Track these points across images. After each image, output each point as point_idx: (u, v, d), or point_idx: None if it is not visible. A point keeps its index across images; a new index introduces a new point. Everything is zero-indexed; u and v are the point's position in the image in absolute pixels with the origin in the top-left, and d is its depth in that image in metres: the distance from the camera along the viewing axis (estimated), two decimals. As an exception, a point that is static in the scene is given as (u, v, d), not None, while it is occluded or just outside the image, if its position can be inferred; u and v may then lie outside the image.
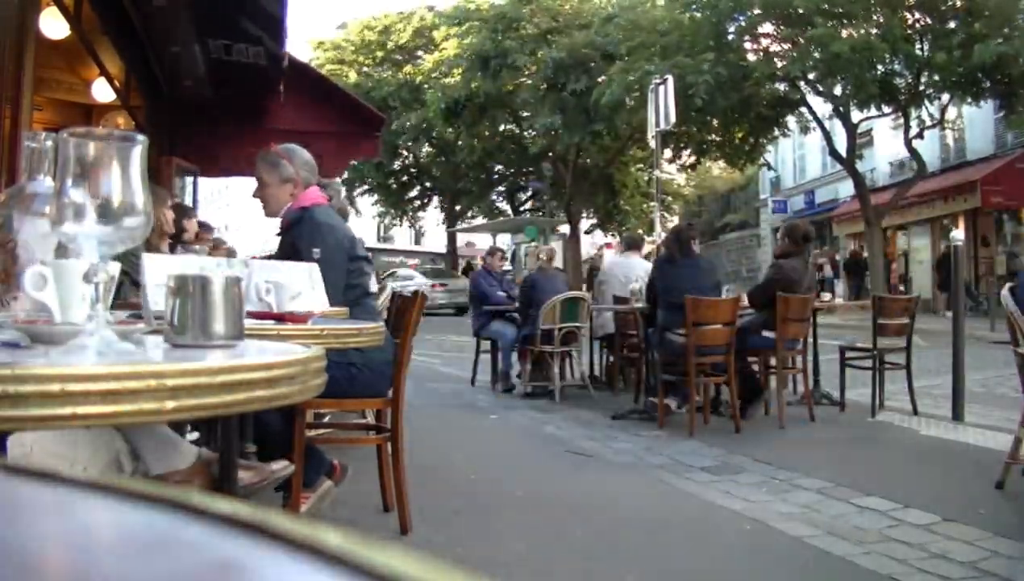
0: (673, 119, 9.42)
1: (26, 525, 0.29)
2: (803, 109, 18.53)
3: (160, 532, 0.29)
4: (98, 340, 0.90)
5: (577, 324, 6.33)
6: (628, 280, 6.24)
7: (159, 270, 1.63)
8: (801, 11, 15.07)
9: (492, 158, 26.20)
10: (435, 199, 31.01)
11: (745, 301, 5.36)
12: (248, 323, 1.35)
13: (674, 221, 23.67)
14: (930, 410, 5.32)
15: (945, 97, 16.59)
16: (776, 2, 15.50)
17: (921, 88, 16.31)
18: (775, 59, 16.85)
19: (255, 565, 0.26)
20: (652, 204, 15.04)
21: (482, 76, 21.08)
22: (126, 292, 3.08)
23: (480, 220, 30.38)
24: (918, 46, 15.78)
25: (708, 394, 5.27)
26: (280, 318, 1.76)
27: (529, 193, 29.84)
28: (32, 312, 1.22)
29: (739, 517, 3.12)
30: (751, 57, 17.13)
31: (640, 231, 23.28)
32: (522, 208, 29.80)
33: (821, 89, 17.13)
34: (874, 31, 15.36)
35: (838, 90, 16.83)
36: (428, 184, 30.39)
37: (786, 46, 16.80)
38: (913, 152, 16.94)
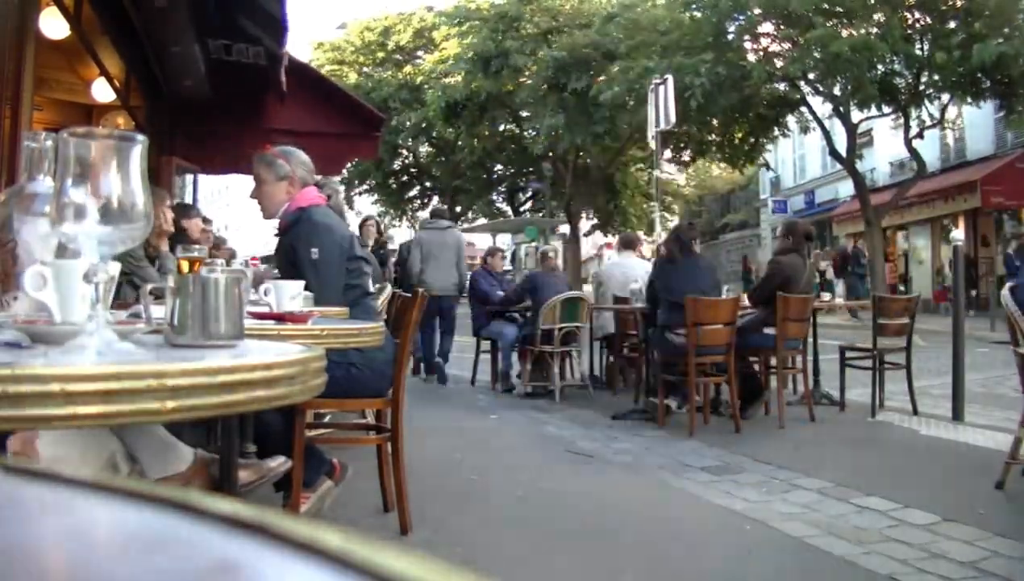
0: (673, 119, 9.42)
1: (26, 525, 0.29)
2: (803, 109, 18.52)
3: (160, 532, 0.29)
4: (98, 340, 0.89)
5: (577, 324, 6.33)
6: (627, 280, 6.25)
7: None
8: (801, 11, 15.07)
9: (492, 158, 26.20)
10: (435, 199, 30.99)
11: (745, 301, 5.36)
12: (248, 323, 1.35)
13: (674, 221, 23.65)
14: (930, 410, 5.32)
15: (945, 97, 16.58)
16: (776, 2, 15.49)
17: (921, 88, 16.30)
18: (775, 59, 16.85)
19: (255, 565, 0.26)
20: (652, 204, 15.05)
21: (482, 76, 21.08)
22: (124, 293, 3.08)
23: (480, 220, 30.38)
24: (918, 46, 15.77)
25: (708, 394, 5.27)
26: (280, 318, 1.76)
27: (529, 193, 29.84)
28: (32, 312, 1.22)
29: (739, 517, 3.12)
30: (751, 57, 17.12)
31: (640, 233, 23.30)
32: (522, 208, 29.79)
33: (821, 89, 17.12)
34: (874, 31, 15.35)
35: (838, 90, 16.82)
36: (428, 184, 30.38)
37: (786, 46, 16.79)
38: (913, 152, 16.93)
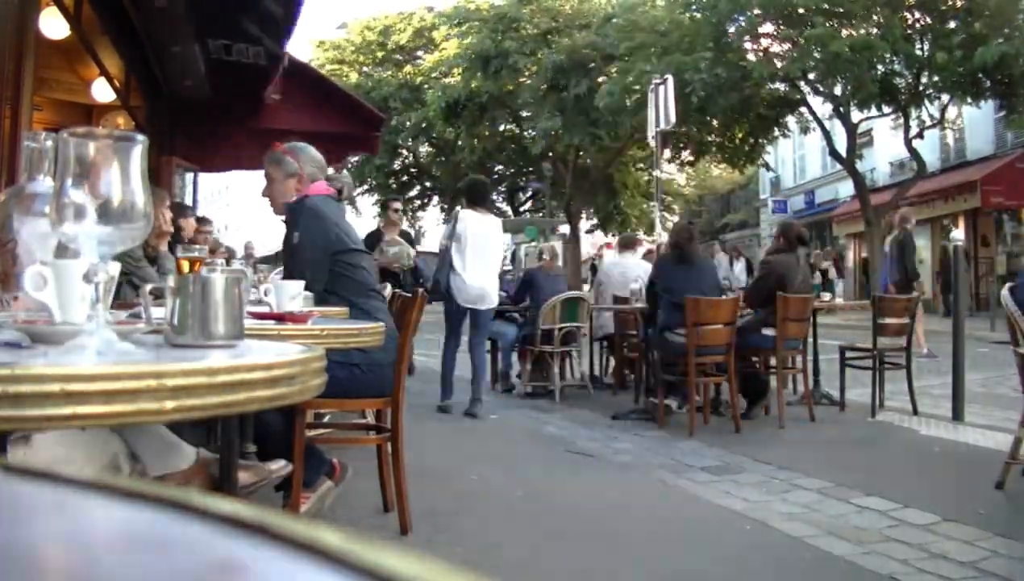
0: (673, 119, 9.41)
1: (26, 525, 0.29)
2: (803, 109, 18.53)
3: (160, 532, 0.29)
4: (98, 340, 0.89)
5: (577, 324, 6.33)
6: (627, 280, 6.25)
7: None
8: (801, 11, 15.07)
9: (492, 158, 26.19)
10: (435, 199, 31.00)
11: (743, 301, 5.36)
12: (248, 323, 1.35)
13: (674, 221, 23.65)
14: (930, 410, 5.32)
15: (945, 97, 16.58)
16: (776, 2, 15.49)
17: (921, 88, 16.30)
18: (775, 59, 16.85)
19: (255, 565, 0.26)
20: (652, 204, 15.05)
21: (482, 76, 21.08)
22: (124, 293, 3.08)
23: (480, 220, 30.31)
24: (918, 46, 15.77)
25: (708, 394, 5.27)
26: (280, 318, 1.76)
27: (529, 193, 29.84)
28: (32, 312, 1.22)
29: (739, 517, 3.12)
30: (751, 57, 17.12)
31: (640, 233, 23.28)
32: (522, 208, 29.80)
33: (821, 89, 17.12)
34: (874, 31, 15.35)
35: (838, 90, 16.82)
36: (428, 184, 30.37)
37: (786, 46, 16.80)
38: (913, 152, 16.94)
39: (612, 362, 6.99)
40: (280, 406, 1.00)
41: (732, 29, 16.97)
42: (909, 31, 15.68)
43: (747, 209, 30.83)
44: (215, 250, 6.46)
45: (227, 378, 0.86)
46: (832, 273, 18.90)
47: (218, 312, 1.10)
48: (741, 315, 5.12)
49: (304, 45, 28.38)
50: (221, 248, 7.69)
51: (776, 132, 20.00)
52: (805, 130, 19.84)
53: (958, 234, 18.53)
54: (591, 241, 30.54)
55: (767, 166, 24.40)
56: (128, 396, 0.78)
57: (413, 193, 31.04)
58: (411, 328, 2.85)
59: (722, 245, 19.24)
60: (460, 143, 24.75)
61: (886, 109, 17.26)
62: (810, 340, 5.59)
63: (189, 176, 7.46)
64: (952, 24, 15.40)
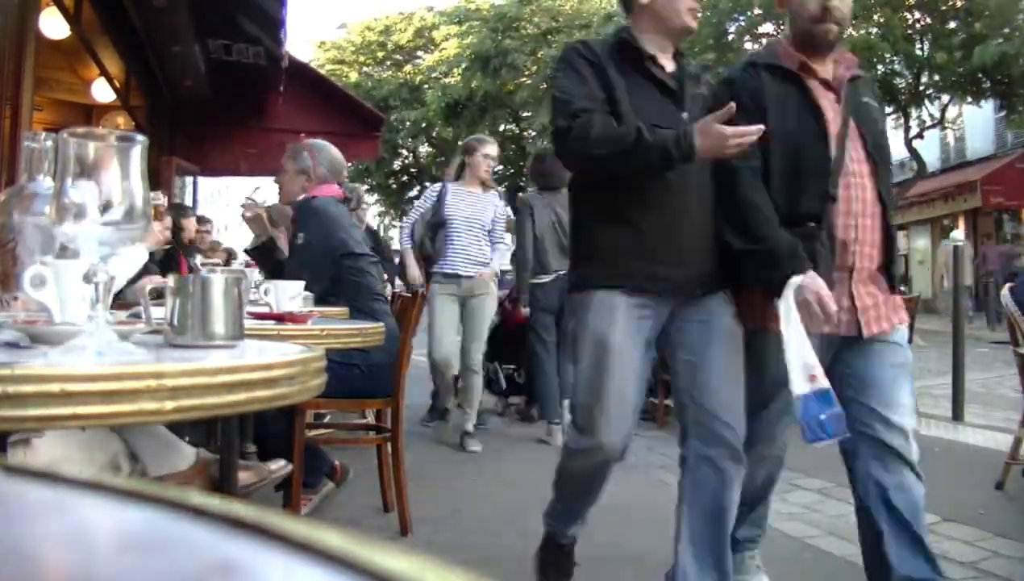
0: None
1: (26, 525, 0.29)
2: (803, 109, 18.52)
3: (160, 532, 0.29)
4: (98, 340, 0.89)
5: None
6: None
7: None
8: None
9: (492, 158, 26.18)
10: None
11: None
12: (248, 323, 1.35)
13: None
14: (930, 410, 5.31)
15: (945, 97, 16.59)
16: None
17: (921, 88, 16.31)
18: (775, 59, 16.84)
19: (255, 565, 0.26)
20: (652, 204, 15.03)
21: (482, 76, 21.08)
22: (125, 293, 3.08)
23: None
24: (918, 46, 15.78)
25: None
26: (280, 318, 1.76)
27: (529, 193, 29.83)
28: (32, 312, 1.22)
29: (739, 517, 3.12)
30: (751, 57, 17.12)
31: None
32: (522, 208, 29.78)
33: (821, 89, 17.12)
34: (874, 31, 15.36)
35: (838, 90, 16.82)
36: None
37: (786, 46, 16.79)
38: (913, 152, 16.94)
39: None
40: (280, 406, 1.00)
41: (732, 29, 16.97)
42: (909, 31, 15.68)
43: (747, 209, 30.80)
44: (215, 250, 6.46)
45: (227, 378, 0.86)
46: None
47: (218, 312, 1.10)
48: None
49: (304, 45, 28.47)
50: (221, 248, 7.69)
51: (776, 132, 19.98)
52: (805, 130, 19.82)
53: (958, 234, 18.55)
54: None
55: (767, 166, 24.39)
56: (128, 396, 0.78)
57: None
58: (411, 329, 2.85)
59: None
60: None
61: (886, 109, 17.26)
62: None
63: (189, 177, 7.46)
64: (952, 24, 15.40)
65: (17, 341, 1.01)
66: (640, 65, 2.06)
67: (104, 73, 5.78)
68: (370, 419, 3.86)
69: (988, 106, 17.01)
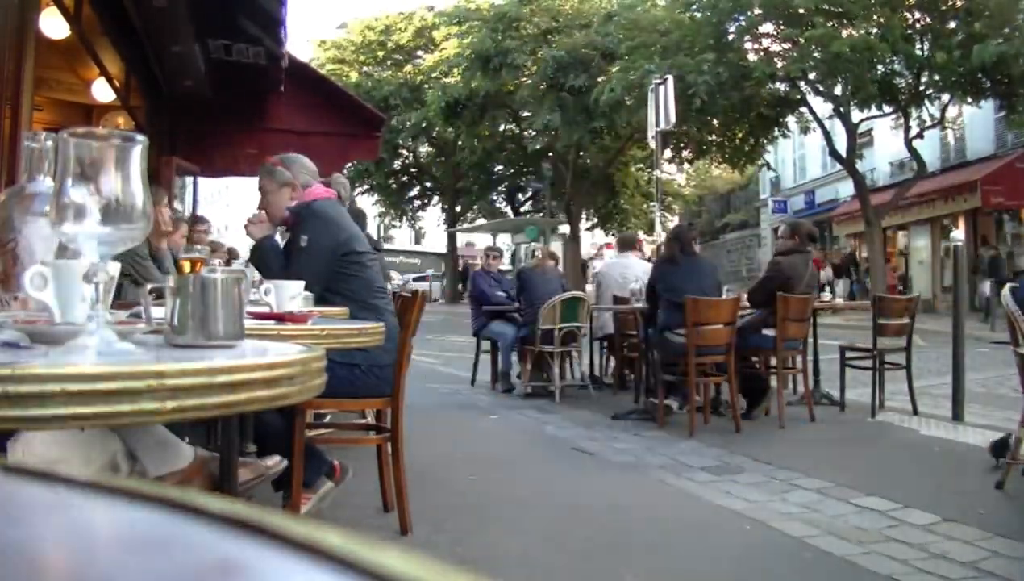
0: (673, 119, 9.43)
1: (26, 525, 0.29)
2: (803, 109, 18.53)
3: (160, 532, 0.29)
4: (98, 340, 0.89)
5: (577, 324, 6.33)
6: (626, 280, 6.24)
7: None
8: (801, 11, 15.08)
9: (492, 158, 26.23)
10: (435, 199, 31.01)
11: (745, 301, 5.36)
12: (248, 323, 1.35)
13: (674, 221, 23.69)
14: (930, 410, 5.32)
15: (945, 97, 16.59)
16: (776, 2, 15.50)
17: (921, 88, 16.31)
18: (775, 59, 16.86)
19: (255, 565, 0.26)
20: (652, 204, 15.05)
21: (482, 75, 21.09)
22: (126, 292, 3.08)
23: (480, 220, 30.39)
24: (918, 46, 15.78)
25: (708, 394, 5.27)
26: (280, 318, 1.76)
27: (529, 193, 29.85)
28: (32, 312, 1.22)
29: (739, 517, 3.12)
30: (751, 57, 17.13)
31: (640, 233, 23.27)
32: (522, 208, 29.81)
33: (821, 89, 17.13)
34: (874, 31, 15.36)
35: (838, 90, 16.83)
36: (428, 184, 30.39)
37: (786, 46, 16.80)
38: (913, 152, 16.94)
39: (612, 362, 6.99)
40: (280, 406, 1.00)
41: (732, 29, 16.98)
42: (909, 31, 15.69)
43: (747, 209, 30.83)
44: (215, 250, 6.46)
45: (227, 378, 0.86)
46: (829, 273, 18.89)
47: (218, 312, 1.10)
48: (741, 315, 5.13)
49: (304, 45, 28.50)
50: (222, 248, 7.69)
51: (776, 132, 20.01)
52: (805, 130, 19.85)
53: (958, 234, 18.56)
54: (591, 240, 30.56)
55: (767, 166, 24.42)
56: (128, 396, 0.78)
57: (413, 193, 31.07)
58: (411, 329, 2.85)
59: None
60: (460, 143, 24.77)
61: (886, 109, 17.27)
62: (810, 340, 5.59)
63: (189, 177, 7.46)
64: (952, 24, 15.40)
65: (17, 341, 1.01)
66: None
67: (104, 73, 5.78)
68: (370, 419, 3.86)
69: (988, 106, 17.01)
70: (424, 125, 23.87)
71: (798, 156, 26.84)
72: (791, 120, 19.63)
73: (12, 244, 1.43)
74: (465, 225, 30.59)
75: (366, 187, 29.06)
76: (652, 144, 10.15)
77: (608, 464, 4.11)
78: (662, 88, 9.36)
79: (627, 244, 7.26)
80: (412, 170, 29.89)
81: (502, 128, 25.11)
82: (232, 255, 7.83)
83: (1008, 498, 3.33)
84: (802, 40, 15.38)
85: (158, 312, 1.24)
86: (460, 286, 27.52)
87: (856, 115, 17.67)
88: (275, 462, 2.54)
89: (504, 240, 28.87)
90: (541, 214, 26.14)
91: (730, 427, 4.83)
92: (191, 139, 6.90)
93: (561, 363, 6.37)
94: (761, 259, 25.36)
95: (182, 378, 0.81)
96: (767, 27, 16.99)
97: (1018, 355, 3.38)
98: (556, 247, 20.65)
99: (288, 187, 2.98)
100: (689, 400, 4.86)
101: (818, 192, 25.51)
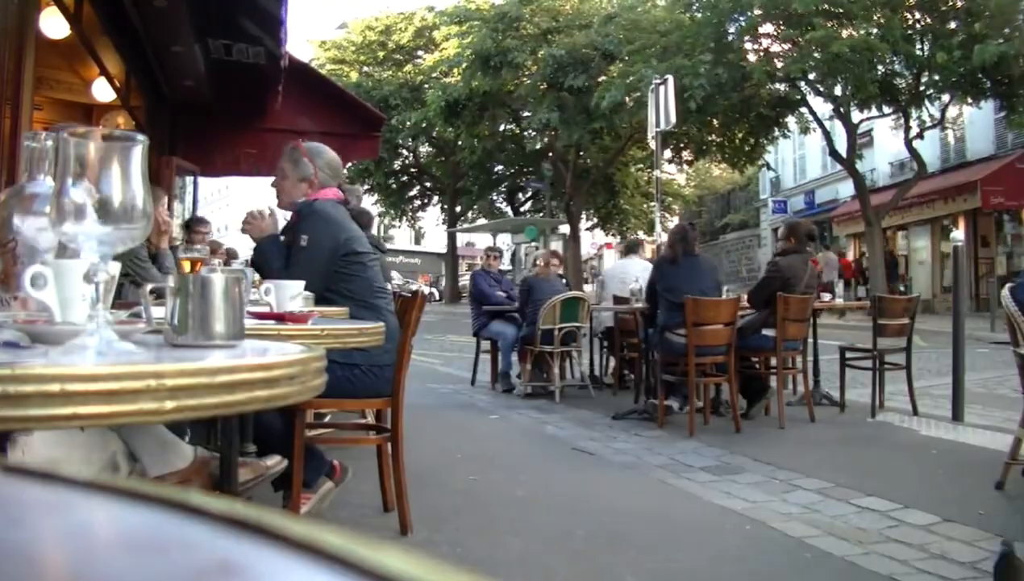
0: (673, 119, 9.42)
1: (26, 525, 0.29)
2: (803, 109, 18.53)
3: (160, 532, 0.29)
4: (98, 340, 0.89)
5: (577, 324, 6.33)
6: (626, 281, 6.25)
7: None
8: (801, 11, 15.08)
9: (492, 158, 26.22)
10: (435, 199, 31.03)
11: (745, 301, 5.36)
12: (248, 323, 1.35)
13: (674, 221, 23.68)
14: (930, 410, 5.32)
15: (945, 97, 16.59)
16: (776, 2, 15.50)
17: (921, 88, 16.31)
18: (775, 59, 16.86)
19: (255, 565, 0.26)
20: (652, 204, 15.04)
21: (482, 75, 21.09)
22: (127, 293, 3.08)
23: (480, 220, 30.41)
24: (918, 46, 15.78)
25: (708, 394, 5.27)
26: (280, 318, 1.76)
27: (529, 193, 29.85)
28: (32, 312, 1.22)
29: (739, 517, 3.12)
30: (752, 57, 17.13)
31: (640, 233, 23.25)
32: (522, 208, 29.81)
33: (821, 89, 17.13)
34: (874, 31, 15.36)
35: (838, 90, 16.83)
36: (428, 184, 30.40)
37: (786, 46, 16.81)
38: (913, 152, 16.94)
39: (612, 362, 6.99)
40: (280, 406, 1.00)
41: (732, 29, 16.98)
42: (909, 31, 15.69)
43: (747, 209, 30.84)
44: (215, 250, 6.46)
45: (227, 378, 0.86)
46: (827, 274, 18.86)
47: (218, 312, 1.10)
48: (741, 315, 5.13)
49: (304, 45, 28.43)
50: (221, 248, 7.69)
51: (776, 132, 20.01)
52: (805, 130, 19.84)
53: (958, 234, 18.55)
54: (591, 240, 30.56)
55: (767, 166, 24.42)
56: (128, 396, 0.78)
57: (413, 193, 31.07)
58: (411, 329, 2.85)
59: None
60: (460, 143, 24.77)
61: (886, 109, 17.28)
62: (810, 340, 5.59)
63: (189, 177, 7.46)
64: (952, 24, 15.40)
65: (17, 341, 1.01)
66: None
67: (104, 73, 5.78)
68: (370, 419, 3.86)
69: (988, 106, 17.01)
70: (424, 125, 23.86)
71: (798, 156, 26.84)
72: (791, 120, 19.64)
73: (12, 244, 1.43)
74: (465, 225, 30.60)
75: (366, 187, 29.04)
76: (652, 144, 10.14)
77: (608, 464, 4.11)
78: (662, 88, 9.35)
79: (631, 249, 7.32)
80: (412, 170, 29.90)
81: (502, 128, 25.10)
82: (231, 255, 7.83)
83: (1008, 498, 3.33)
84: (802, 41, 15.38)
85: (158, 312, 1.24)
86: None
87: (856, 115, 17.68)
88: (275, 462, 2.54)
89: (504, 240, 28.88)
90: (541, 214, 26.15)
91: (730, 427, 4.83)
92: (191, 139, 6.90)
93: (561, 363, 6.38)
94: (761, 259, 25.36)
95: (182, 378, 0.81)
96: (767, 27, 16.99)
97: (1018, 355, 3.38)
98: (556, 247, 20.66)
99: (306, 183, 2.98)
100: (689, 400, 4.86)
101: (818, 192, 25.52)
